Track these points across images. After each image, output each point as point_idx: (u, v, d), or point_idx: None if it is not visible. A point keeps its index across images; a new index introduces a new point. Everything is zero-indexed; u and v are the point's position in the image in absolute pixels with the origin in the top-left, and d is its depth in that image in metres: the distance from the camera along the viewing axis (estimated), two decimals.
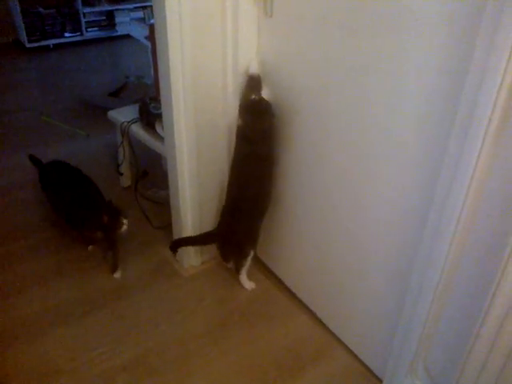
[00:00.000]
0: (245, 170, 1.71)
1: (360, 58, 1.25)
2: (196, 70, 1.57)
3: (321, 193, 1.57)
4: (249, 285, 1.92)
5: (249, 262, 1.86)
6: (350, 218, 1.47)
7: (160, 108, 1.77)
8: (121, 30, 4.87)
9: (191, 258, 2.00)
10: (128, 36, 4.83)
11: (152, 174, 2.56)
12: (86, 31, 4.69)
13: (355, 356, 1.63)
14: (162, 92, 1.65)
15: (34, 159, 2.25)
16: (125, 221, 1.88)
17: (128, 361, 1.61)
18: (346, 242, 1.52)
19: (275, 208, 1.82)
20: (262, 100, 1.60)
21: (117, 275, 1.94)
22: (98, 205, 1.96)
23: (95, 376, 1.55)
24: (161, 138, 2.01)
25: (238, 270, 1.90)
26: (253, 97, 1.61)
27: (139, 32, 3.65)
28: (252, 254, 1.85)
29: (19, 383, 1.52)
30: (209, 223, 1.93)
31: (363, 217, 1.42)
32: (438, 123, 1.08)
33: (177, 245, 1.89)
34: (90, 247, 2.08)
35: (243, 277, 1.91)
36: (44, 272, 1.96)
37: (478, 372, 1.00)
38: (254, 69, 1.61)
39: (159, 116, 1.93)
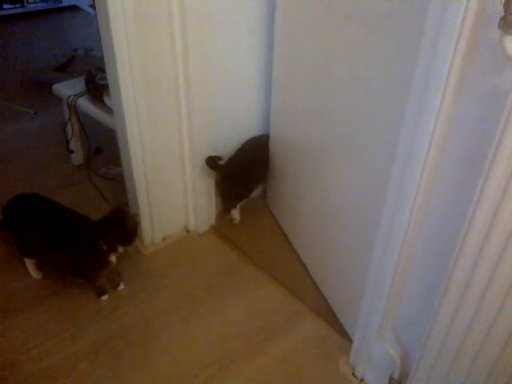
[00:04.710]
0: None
1: None
2: (141, 33, 1.46)
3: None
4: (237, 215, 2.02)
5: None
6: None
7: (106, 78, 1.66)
8: (66, 1, 4.59)
9: (150, 235, 1.92)
10: (75, 7, 4.57)
11: (107, 150, 2.44)
12: (28, 2, 4.39)
13: (327, 322, 1.61)
14: (106, 58, 1.54)
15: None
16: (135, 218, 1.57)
17: (90, 346, 1.53)
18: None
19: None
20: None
21: (121, 287, 1.74)
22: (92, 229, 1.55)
23: (56, 364, 1.47)
24: (110, 111, 1.89)
25: (234, 206, 2.00)
26: None
27: (85, 1, 3.45)
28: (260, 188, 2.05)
29: None
30: (166, 197, 1.86)
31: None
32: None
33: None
34: (105, 297, 1.70)
35: (236, 210, 2.01)
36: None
37: (444, 333, 0.98)
38: None
39: (106, 87, 1.81)
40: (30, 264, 1.75)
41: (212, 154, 1.83)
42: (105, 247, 1.53)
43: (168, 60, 1.57)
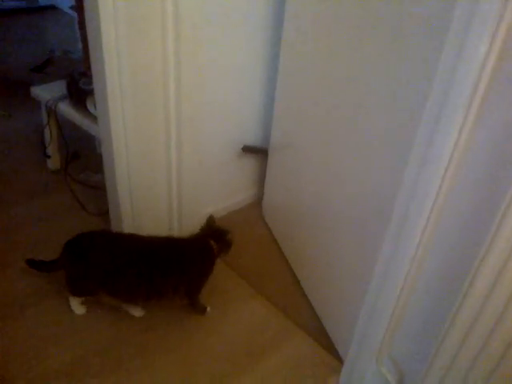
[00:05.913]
0: None
1: None
2: (132, 40, 1.41)
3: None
4: None
5: None
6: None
7: (91, 83, 1.60)
8: (43, 1, 4.47)
9: None
10: (52, 7, 4.44)
11: (85, 155, 2.37)
12: (2, 1, 4.25)
13: (317, 340, 1.57)
14: (94, 65, 1.48)
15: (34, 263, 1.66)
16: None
17: (66, 363, 1.46)
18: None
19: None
20: None
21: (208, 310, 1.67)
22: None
23: (30, 381, 1.39)
24: (93, 117, 1.83)
25: None
26: None
27: (64, 1, 3.37)
28: None
29: None
30: (150, 207, 1.80)
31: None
32: None
33: None
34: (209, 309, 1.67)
35: None
36: None
37: (449, 363, 0.95)
38: None
39: (91, 92, 1.75)
40: (73, 300, 1.61)
41: (199, 165, 1.80)
42: (215, 251, 1.57)
43: (159, 69, 1.52)
